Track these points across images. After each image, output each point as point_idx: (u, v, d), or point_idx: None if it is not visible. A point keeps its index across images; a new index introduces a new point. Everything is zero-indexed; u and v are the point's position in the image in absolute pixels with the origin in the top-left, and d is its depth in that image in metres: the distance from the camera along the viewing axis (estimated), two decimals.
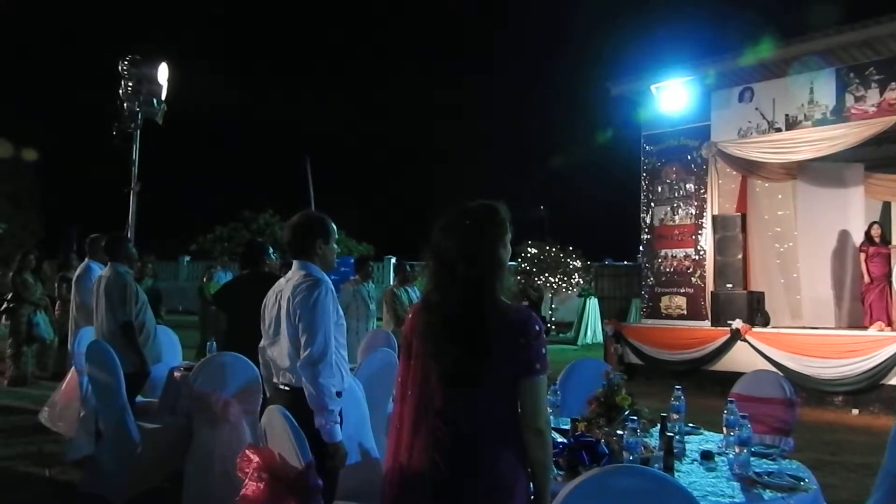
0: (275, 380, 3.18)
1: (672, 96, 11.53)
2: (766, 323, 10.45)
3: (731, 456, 2.85)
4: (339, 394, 2.97)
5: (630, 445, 2.71)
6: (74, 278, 7.12)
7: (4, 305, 9.51)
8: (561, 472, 2.68)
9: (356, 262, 9.08)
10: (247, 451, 2.74)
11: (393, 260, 24.76)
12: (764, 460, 2.99)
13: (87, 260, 7.07)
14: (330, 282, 3.12)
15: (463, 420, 2.11)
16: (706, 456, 2.97)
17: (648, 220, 12.36)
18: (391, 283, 14.79)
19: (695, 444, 3.22)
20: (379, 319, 9.05)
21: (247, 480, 2.72)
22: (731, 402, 3.18)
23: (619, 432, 2.86)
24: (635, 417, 2.87)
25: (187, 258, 28.84)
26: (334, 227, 3.29)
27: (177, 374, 5.30)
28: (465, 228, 2.24)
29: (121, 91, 9.41)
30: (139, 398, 5.26)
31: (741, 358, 9.69)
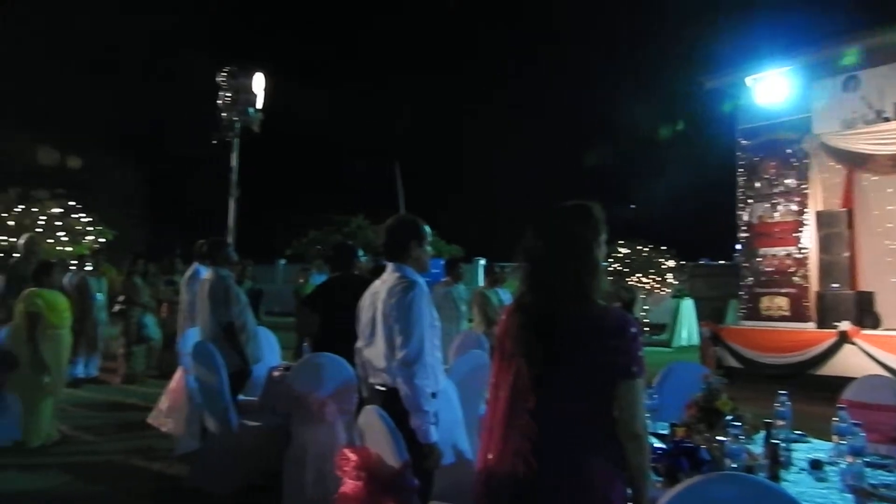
0: (371, 380, 3.24)
1: (769, 88, 11.09)
2: (876, 325, 9.87)
3: (843, 466, 2.70)
4: (433, 395, 3.00)
5: (733, 452, 2.62)
6: (183, 281, 7.48)
7: (116, 307, 10.07)
8: (660, 479, 2.62)
9: (446, 264, 9.12)
10: (345, 451, 2.81)
11: (482, 261, 24.77)
12: (880, 471, 2.83)
13: (194, 264, 7.43)
14: (424, 284, 3.15)
15: (554, 422, 2.09)
16: (816, 465, 2.83)
17: (746, 218, 11.91)
18: (481, 284, 14.82)
19: (802, 452, 3.08)
20: (469, 321, 9.07)
21: (345, 479, 2.78)
22: (842, 408, 3.02)
23: (721, 438, 2.77)
24: (738, 423, 2.77)
25: (283, 261, 29.74)
26: (428, 229, 3.32)
27: (276, 373, 5.47)
28: (558, 229, 2.22)
29: (220, 102, 9.81)
30: (241, 396, 5.45)
31: (850, 362, 9.19)
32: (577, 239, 2.20)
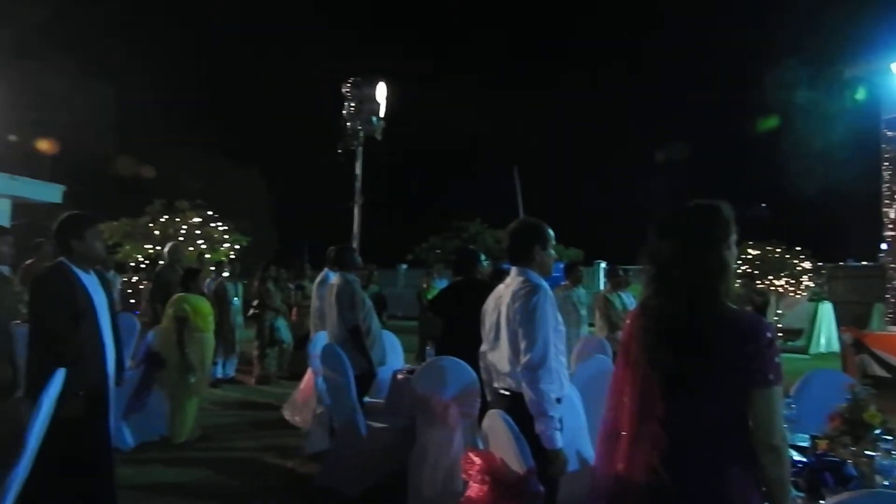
0: (495, 384, 3.25)
1: None
2: None
3: None
4: (558, 400, 2.97)
5: (884, 469, 2.44)
6: (314, 286, 7.79)
7: (251, 312, 10.62)
8: (800, 495, 2.47)
9: (566, 268, 9.01)
10: (470, 454, 2.83)
11: (603, 264, 24.29)
12: None
13: (325, 269, 7.72)
14: (548, 287, 3.13)
15: (684, 430, 2.02)
16: None
17: (893, 215, 11.05)
18: (601, 288, 14.53)
19: None
20: (591, 325, 8.91)
21: (470, 482, 2.81)
22: None
23: (870, 453, 2.58)
24: (889, 437, 2.58)
25: (405, 266, 30.34)
26: (552, 232, 3.30)
27: (400, 376, 5.58)
28: (686, 230, 2.15)
29: (344, 112, 10.15)
30: (367, 398, 5.60)
31: None
32: (706, 239, 2.11)
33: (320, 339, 6.34)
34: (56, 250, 3.86)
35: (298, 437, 6.59)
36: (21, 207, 20.19)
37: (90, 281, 3.76)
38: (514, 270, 3.23)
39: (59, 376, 3.20)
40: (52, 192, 20.49)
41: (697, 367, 2.01)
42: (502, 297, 3.19)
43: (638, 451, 2.09)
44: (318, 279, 7.81)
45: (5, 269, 4.94)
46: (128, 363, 6.06)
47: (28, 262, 7.65)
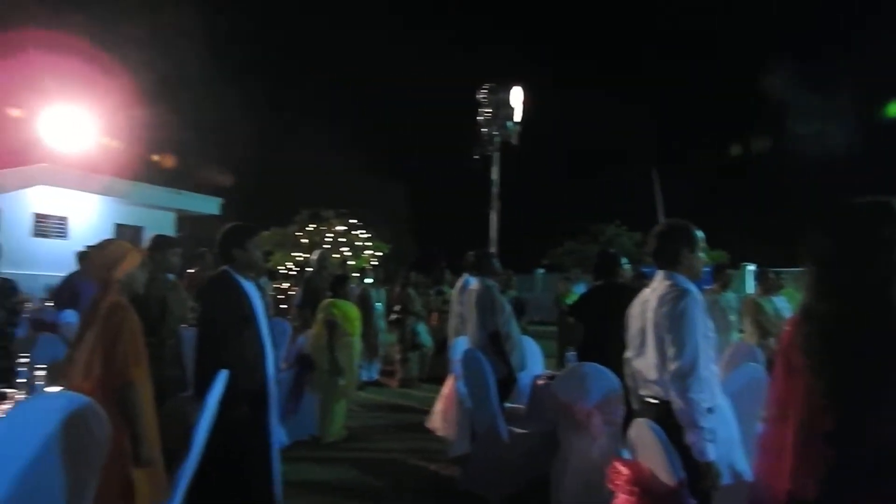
0: (641, 392, 3.15)
1: None
2: None
3: None
4: (710, 410, 2.83)
5: None
6: (455, 291, 7.90)
7: (393, 316, 10.92)
8: None
9: (713, 271, 8.61)
10: (616, 463, 2.75)
11: (751, 267, 23.03)
12: None
13: (464, 274, 7.81)
14: (697, 292, 3.00)
15: (859, 448, 1.85)
16: None
17: None
18: (749, 291, 13.78)
19: None
20: (740, 332, 8.47)
21: (617, 492, 2.73)
22: None
23: None
24: None
25: (541, 270, 30.18)
26: (701, 234, 3.16)
27: (540, 382, 5.53)
28: (852, 227, 1.98)
29: (480, 118, 10.24)
30: (508, 403, 5.59)
31: None
32: (875, 238, 1.94)
33: (460, 343, 6.40)
34: (218, 259, 4.13)
35: (441, 440, 6.69)
36: (184, 219, 21.88)
37: (251, 288, 4.00)
38: (660, 274, 3.11)
39: (223, 378, 3.42)
40: (211, 205, 22.08)
41: (871, 379, 1.85)
42: (648, 301, 3.08)
43: (804, 467, 1.94)
44: (458, 284, 7.89)
45: (172, 278, 5.34)
46: (280, 366, 6.40)
47: (192, 270, 8.24)
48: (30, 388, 3.45)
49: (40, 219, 18.41)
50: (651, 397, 3.05)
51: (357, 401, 8.72)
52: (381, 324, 10.85)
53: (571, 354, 5.37)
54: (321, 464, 6.10)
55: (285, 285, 18.27)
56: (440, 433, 6.65)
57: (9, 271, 4.83)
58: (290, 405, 6.48)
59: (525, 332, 7.27)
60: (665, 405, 2.91)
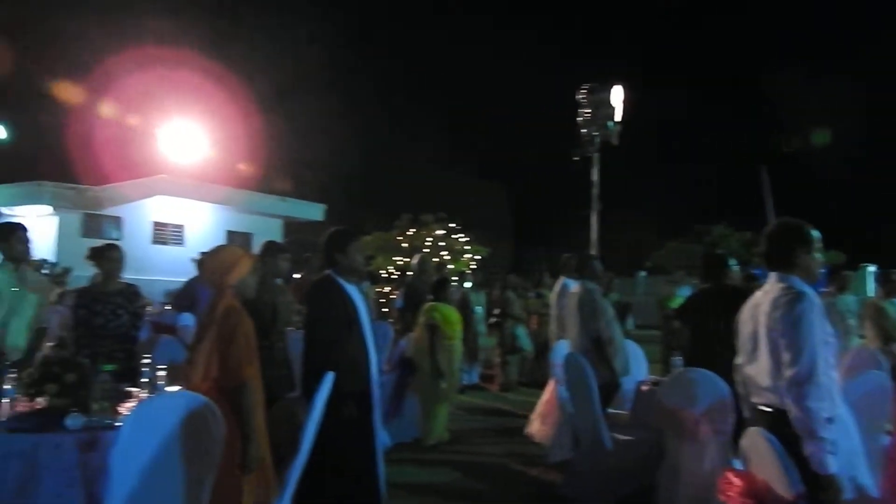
0: (753, 399, 3.01)
1: None
2: None
3: None
4: (830, 420, 2.67)
5: None
6: (552, 295, 7.84)
7: (493, 320, 10.92)
8: None
9: (829, 273, 8.18)
10: (728, 474, 2.65)
11: (871, 268, 21.70)
12: None
13: (561, 277, 7.74)
14: (815, 295, 2.84)
15: None
16: None
17: None
18: (870, 294, 12.98)
19: None
20: (860, 337, 7.98)
21: None
22: None
23: None
24: None
25: (643, 273, 29.48)
26: (817, 234, 3.00)
27: (645, 387, 5.40)
28: None
29: (579, 118, 10.10)
30: (610, 409, 5.48)
31: None
32: None
33: (561, 347, 6.34)
34: (323, 264, 4.26)
35: (541, 445, 6.63)
36: (290, 226, 22.70)
37: (353, 291, 4.10)
38: (773, 276, 2.97)
39: (330, 379, 3.52)
40: (315, 211, 22.81)
41: None
42: (760, 305, 2.95)
43: None
44: (557, 287, 7.83)
45: (279, 282, 5.53)
46: (383, 368, 6.52)
47: (298, 275, 8.51)
48: (152, 387, 3.65)
49: (159, 227, 19.51)
50: (764, 405, 2.90)
51: (458, 404, 8.77)
52: (481, 327, 10.87)
53: (677, 360, 5.21)
54: (423, 466, 6.17)
55: (387, 289, 18.61)
56: (540, 438, 6.60)
57: (131, 277, 5.13)
58: (393, 408, 6.59)
59: (627, 336, 7.11)
60: (780, 414, 2.77)
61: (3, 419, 3.19)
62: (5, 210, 17.46)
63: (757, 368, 2.93)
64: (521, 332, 10.65)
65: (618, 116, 10.09)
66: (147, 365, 3.76)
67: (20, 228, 4.81)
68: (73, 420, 3.08)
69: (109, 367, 3.65)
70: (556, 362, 6.31)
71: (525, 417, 7.23)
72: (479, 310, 10.76)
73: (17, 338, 4.67)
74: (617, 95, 10.03)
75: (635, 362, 6.17)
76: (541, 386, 7.32)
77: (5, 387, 3.37)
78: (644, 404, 5.24)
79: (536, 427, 6.80)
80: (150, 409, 2.92)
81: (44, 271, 12.02)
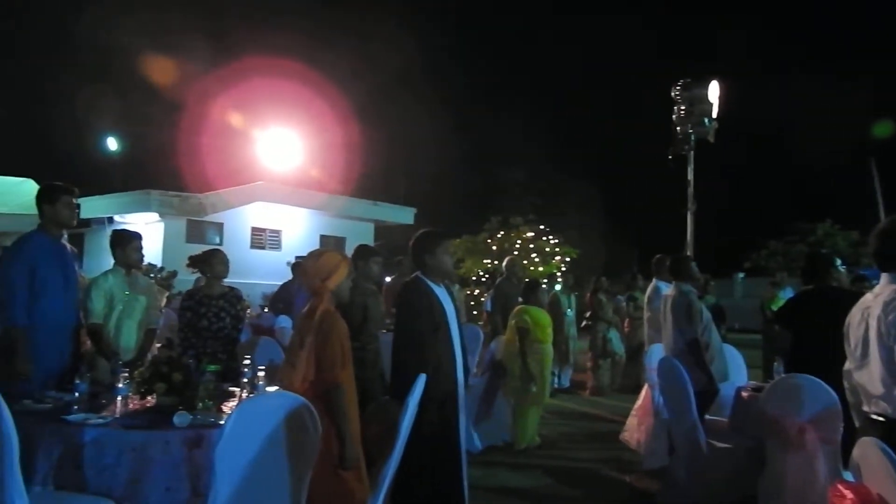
0: (865, 408, 2.85)
1: None
2: None
3: None
4: None
5: None
6: (645, 297, 7.68)
7: (584, 323, 10.78)
8: None
9: None
10: (839, 486, 2.52)
11: None
12: None
13: (654, 280, 7.57)
14: None
15: None
16: None
17: None
18: None
19: None
20: None
21: None
22: None
23: None
24: None
25: (741, 275, 28.42)
26: None
27: (745, 394, 5.20)
28: None
29: (674, 116, 9.84)
30: (708, 415, 5.31)
31: None
32: None
33: (656, 351, 6.19)
34: (412, 266, 4.32)
35: (634, 452, 6.49)
36: (381, 229, 23.10)
37: (442, 293, 4.13)
38: (884, 278, 2.80)
39: (421, 381, 3.56)
40: (405, 215, 23.14)
41: None
42: (870, 308, 2.79)
43: None
44: (650, 290, 7.66)
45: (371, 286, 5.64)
46: (474, 371, 6.54)
47: (390, 278, 8.65)
48: (252, 387, 3.79)
49: (257, 232, 20.23)
50: (877, 414, 2.75)
51: (549, 408, 8.70)
52: (572, 331, 10.76)
53: (779, 365, 5.00)
54: (515, 470, 6.14)
55: (476, 291, 18.65)
56: (634, 444, 6.46)
57: (231, 281, 5.34)
58: (483, 410, 6.60)
59: (726, 340, 6.88)
60: (894, 424, 2.62)
61: (118, 415, 3.38)
62: (117, 217, 18.50)
63: (868, 375, 2.78)
64: (614, 335, 10.48)
65: (714, 113, 9.76)
66: (247, 366, 3.90)
67: (136, 238, 5.10)
68: (181, 418, 3.23)
69: (213, 367, 3.80)
70: (651, 367, 6.17)
71: (617, 423, 7.10)
72: (569, 313, 10.65)
73: (129, 339, 4.95)
74: (713, 91, 9.71)
75: (734, 367, 5.95)
76: (634, 391, 7.17)
77: (119, 385, 3.56)
78: (744, 411, 5.05)
79: (630, 433, 6.67)
80: (253, 409, 3.03)
81: (151, 275, 12.69)
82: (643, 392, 6.63)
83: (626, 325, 10.80)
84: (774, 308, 9.13)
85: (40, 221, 4.59)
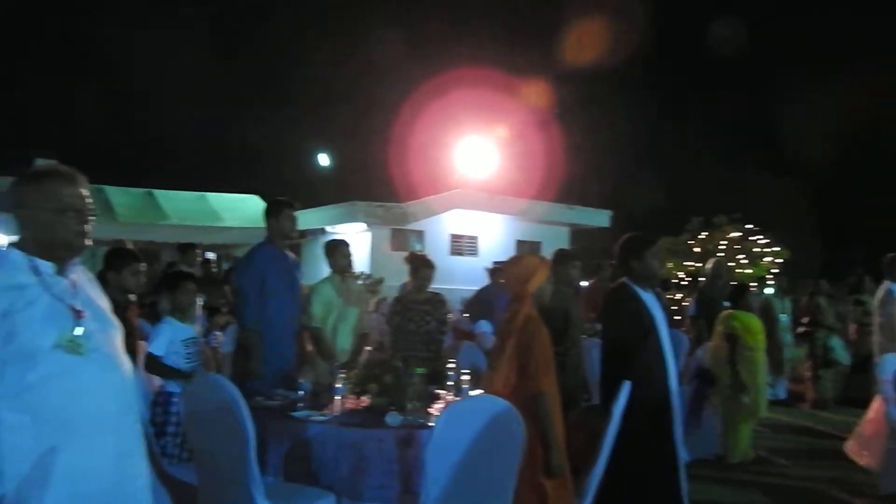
0: None
1: None
2: None
3: None
4: None
5: None
6: (875, 301, 6.97)
7: (801, 329, 9.96)
8: None
9: None
10: None
11: None
12: None
13: (885, 282, 6.85)
14: None
15: None
16: None
17: None
18: None
19: None
20: None
21: None
22: None
23: None
24: None
25: None
26: None
27: None
28: None
29: None
30: None
31: None
32: None
33: (889, 361, 5.58)
34: (615, 271, 4.23)
35: (866, 471, 5.88)
36: (576, 233, 22.86)
37: (650, 299, 4.01)
38: None
39: (627, 389, 3.48)
40: (601, 218, 22.72)
41: None
42: None
43: None
44: (881, 293, 6.93)
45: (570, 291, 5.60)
46: (680, 379, 6.26)
47: (589, 283, 8.54)
48: (458, 390, 3.91)
49: (455, 239, 20.82)
50: None
51: (763, 421, 8.14)
52: (787, 337, 9.99)
53: None
54: (727, 485, 5.81)
55: (678, 296, 17.91)
56: (863, 463, 5.86)
57: (432, 286, 5.56)
58: (692, 421, 6.29)
59: None
60: None
61: (337, 414, 3.63)
62: (328, 228, 19.89)
63: None
64: (837, 343, 9.57)
65: None
66: (452, 369, 4.03)
67: (343, 244, 5.49)
68: (393, 418, 3.41)
69: (420, 370, 3.97)
70: (884, 378, 5.56)
71: (841, 439, 6.46)
72: (783, 318, 9.89)
73: (344, 342, 5.31)
74: None
75: None
76: (862, 404, 6.49)
77: (337, 385, 3.82)
78: None
79: (858, 451, 6.05)
80: (461, 411, 3.13)
81: (360, 282, 13.49)
82: (873, 405, 5.99)
83: (852, 331, 9.84)
84: None
85: (267, 234, 5.03)
